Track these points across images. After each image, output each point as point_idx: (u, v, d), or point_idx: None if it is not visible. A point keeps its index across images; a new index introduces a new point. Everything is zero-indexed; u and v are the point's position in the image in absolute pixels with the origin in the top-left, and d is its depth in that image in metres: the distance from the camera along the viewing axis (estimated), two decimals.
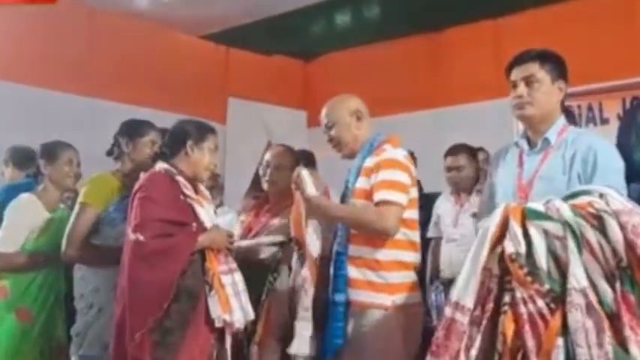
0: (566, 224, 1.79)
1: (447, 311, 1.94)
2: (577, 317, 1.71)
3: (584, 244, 1.77)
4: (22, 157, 3.46)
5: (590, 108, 5.25)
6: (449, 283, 3.25)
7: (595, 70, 4.82)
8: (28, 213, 2.90)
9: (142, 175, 2.58)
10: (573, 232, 1.77)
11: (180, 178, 2.53)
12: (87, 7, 5.34)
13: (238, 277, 2.53)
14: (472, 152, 3.88)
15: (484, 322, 1.84)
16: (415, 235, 2.54)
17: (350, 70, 6.40)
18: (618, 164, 2.13)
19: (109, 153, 2.88)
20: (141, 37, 5.70)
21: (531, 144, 2.29)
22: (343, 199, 2.64)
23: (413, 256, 2.52)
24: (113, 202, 2.70)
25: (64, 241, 2.64)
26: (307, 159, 3.88)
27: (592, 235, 1.76)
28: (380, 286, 2.43)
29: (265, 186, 3.06)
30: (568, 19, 5.25)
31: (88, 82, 5.28)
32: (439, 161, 4.06)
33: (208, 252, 2.48)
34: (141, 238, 2.35)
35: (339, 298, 2.47)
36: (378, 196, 2.44)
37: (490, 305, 1.85)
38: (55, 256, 2.77)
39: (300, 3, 5.80)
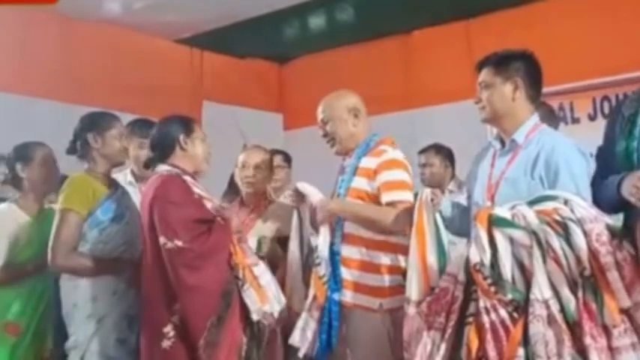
0: (532, 233, 1.80)
1: (405, 307, 2.06)
2: (538, 328, 1.72)
3: (549, 252, 1.77)
4: None
5: (561, 108, 5.29)
6: None
7: (566, 71, 4.88)
8: (6, 225, 2.72)
9: (152, 180, 2.49)
10: (539, 241, 1.78)
11: (187, 178, 2.50)
12: (60, 12, 5.27)
13: (263, 266, 2.51)
14: (439, 149, 4.02)
15: (449, 330, 1.86)
16: (405, 239, 2.50)
17: (324, 73, 6.40)
18: (582, 167, 2.11)
19: (71, 151, 2.68)
20: (115, 43, 5.65)
21: (503, 144, 2.30)
22: (333, 197, 2.63)
23: (403, 260, 2.49)
24: (97, 203, 2.53)
25: (49, 252, 2.45)
26: (283, 158, 3.95)
27: (556, 243, 1.77)
28: (368, 288, 2.44)
29: (244, 187, 3.04)
30: (539, 20, 5.30)
31: (64, 87, 5.21)
32: (412, 162, 4.10)
33: (233, 247, 2.43)
34: (180, 244, 2.28)
35: (337, 297, 2.47)
36: (388, 196, 2.45)
37: (455, 314, 1.86)
38: (43, 264, 2.59)
39: (274, 6, 5.78)
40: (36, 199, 2.81)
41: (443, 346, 1.84)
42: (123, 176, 3.06)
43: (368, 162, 2.53)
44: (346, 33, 6.26)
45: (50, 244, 2.46)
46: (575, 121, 5.20)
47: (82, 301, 2.48)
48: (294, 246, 2.65)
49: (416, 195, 3.49)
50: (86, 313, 2.47)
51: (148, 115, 5.49)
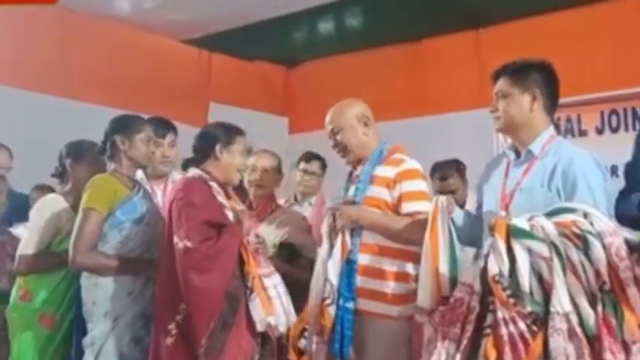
0: (552, 245, 1.79)
1: (416, 317, 2.05)
2: (559, 342, 1.71)
3: (568, 265, 1.77)
4: None
5: (568, 120, 5.30)
6: None
7: (574, 83, 4.86)
8: (52, 213, 2.81)
9: (176, 180, 2.57)
10: (559, 254, 1.77)
11: (213, 184, 2.54)
12: (69, 9, 5.28)
13: (278, 279, 2.52)
14: (460, 170, 3.77)
15: (464, 341, 1.84)
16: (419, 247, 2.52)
17: (331, 78, 6.40)
18: (599, 180, 2.10)
19: (101, 151, 2.75)
20: (124, 41, 5.65)
21: (518, 155, 2.28)
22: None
23: (414, 268, 2.48)
24: (117, 204, 2.59)
25: (70, 249, 2.52)
26: (320, 165, 4.01)
27: (575, 256, 1.76)
28: (387, 296, 2.44)
29: (252, 190, 3.07)
30: (548, 31, 5.29)
31: (70, 84, 5.21)
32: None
33: (247, 255, 2.45)
34: (189, 244, 2.34)
35: (350, 305, 2.46)
36: (409, 207, 2.46)
37: (471, 325, 1.85)
38: None
39: (283, 10, 5.78)
40: (79, 195, 2.82)
41: (458, 357, 1.83)
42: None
43: (385, 171, 2.53)
44: (354, 39, 6.26)
45: (71, 242, 2.52)
46: (583, 133, 5.18)
47: (100, 300, 2.53)
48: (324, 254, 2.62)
49: None
50: (103, 311, 2.52)
51: (153, 114, 5.53)
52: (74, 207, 2.79)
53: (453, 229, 2.22)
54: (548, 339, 1.72)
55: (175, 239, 2.37)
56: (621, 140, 4.90)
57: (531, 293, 1.79)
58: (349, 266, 2.49)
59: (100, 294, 2.54)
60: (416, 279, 2.44)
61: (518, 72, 2.25)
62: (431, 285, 2.11)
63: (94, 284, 2.56)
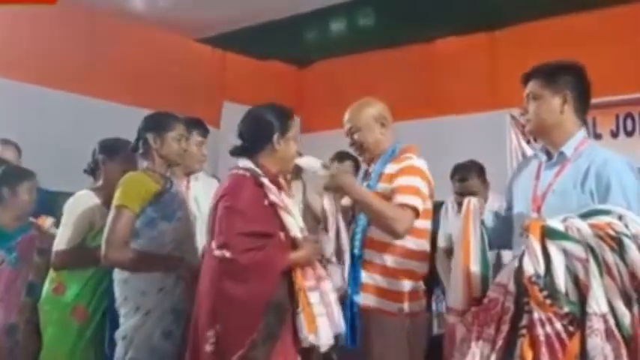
0: (587, 246, 1.80)
1: (448, 317, 2.05)
2: (596, 343, 1.72)
3: (604, 267, 1.78)
4: None
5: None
6: None
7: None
8: (85, 209, 2.84)
9: (228, 176, 2.39)
10: (595, 255, 1.78)
11: (265, 181, 2.32)
12: (85, 8, 5.32)
13: (327, 286, 2.34)
14: (481, 171, 3.75)
15: (499, 342, 1.85)
16: (426, 245, 2.58)
17: (343, 78, 6.41)
18: (633, 183, 2.10)
19: (134, 149, 2.76)
20: (137, 39, 5.67)
21: (550, 157, 2.28)
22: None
23: (423, 266, 2.55)
24: (150, 201, 2.58)
25: (103, 246, 2.54)
26: (353, 164, 3.89)
27: (610, 258, 1.77)
28: (389, 292, 2.46)
29: None
30: (562, 34, 5.28)
31: (84, 82, 5.23)
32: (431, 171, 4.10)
33: (294, 268, 2.30)
34: (228, 254, 2.18)
35: (358, 299, 2.50)
36: (401, 198, 2.47)
37: (506, 326, 1.86)
38: None
39: (296, 10, 5.80)
40: (111, 192, 2.85)
41: (493, 358, 1.84)
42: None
43: (391, 168, 2.57)
44: (367, 39, 6.27)
45: (103, 238, 2.54)
46: (598, 137, 5.15)
47: (130, 295, 2.56)
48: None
49: (460, 204, 3.46)
50: (134, 305, 2.55)
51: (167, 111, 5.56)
52: (106, 203, 2.81)
53: (484, 230, 2.23)
54: (586, 339, 1.73)
55: (213, 244, 2.25)
56: (636, 144, 4.88)
57: (567, 294, 1.80)
58: (355, 260, 2.53)
59: (130, 290, 2.57)
60: (418, 277, 2.52)
61: (550, 74, 2.24)
62: (462, 286, 2.13)
63: (124, 280, 2.58)
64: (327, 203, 2.57)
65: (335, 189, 2.53)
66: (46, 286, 2.84)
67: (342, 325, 2.35)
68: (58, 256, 2.80)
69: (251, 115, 2.46)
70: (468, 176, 3.61)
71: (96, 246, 2.73)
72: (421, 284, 2.55)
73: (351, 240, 2.59)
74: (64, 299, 2.78)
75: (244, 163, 2.36)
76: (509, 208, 2.36)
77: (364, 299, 2.49)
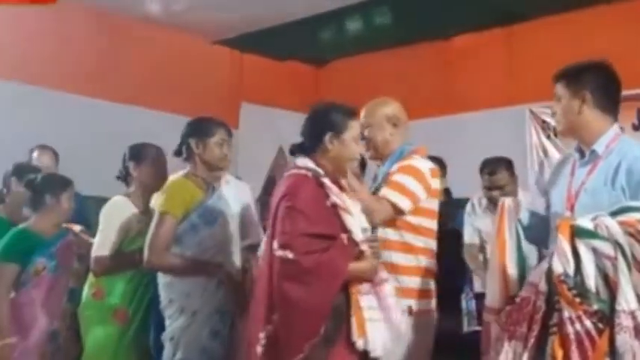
0: (616, 244, 1.81)
1: (484, 315, 2.08)
2: (625, 339, 1.74)
3: (633, 263, 1.79)
4: (23, 171, 3.39)
5: None
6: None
7: None
8: (121, 215, 2.87)
9: (288, 175, 2.34)
10: (623, 253, 1.80)
11: (326, 181, 2.25)
12: (101, 11, 5.39)
13: (386, 290, 2.26)
14: (510, 166, 3.71)
15: (531, 340, 1.88)
16: (432, 244, 2.58)
17: (361, 77, 6.41)
18: None
19: (177, 153, 2.77)
20: (155, 42, 5.73)
21: (582, 155, 2.28)
22: None
23: (429, 263, 2.55)
24: (193, 207, 2.60)
25: (145, 251, 2.56)
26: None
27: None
28: (397, 290, 2.42)
29: None
30: (581, 28, 5.24)
31: (102, 84, 5.31)
32: (450, 168, 4.14)
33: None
34: (290, 255, 2.11)
35: None
36: (385, 191, 2.49)
37: (538, 324, 1.88)
38: None
39: (312, 10, 5.82)
40: (144, 196, 2.94)
41: (525, 356, 1.86)
42: None
43: (395, 168, 2.58)
44: (384, 37, 6.26)
45: (146, 243, 2.57)
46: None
47: (175, 297, 2.58)
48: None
49: (490, 199, 3.37)
50: (180, 307, 2.57)
51: (185, 114, 5.59)
52: (140, 208, 2.88)
53: (520, 229, 2.24)
54: (615, 336, 1.76)
55: (275, 244, 2.17)
56: None
57: (597, 292, 1.82)
58: None
59: (175, 292, 2.59)
60: (428, 274, 2.53)
61: (571, 75, 2.26)
62: (499, 285, 2.14)
63: (169, 283, 2.61)
64: None
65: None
66: (86, 292, 2.88)
67: (401, 330, 2.29)
68: (98, 262, 2.83)
69: (310, 114, 2.41)
70: (497, 170, 3.58)
71: (134, 250, 2.79)
72: (428, 282, 2.54)
73: None
74: (105, 303, 2.81)
75: (304, 162, 2.30)
76: (549, 206, 2.36)
77: None
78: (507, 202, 2.30)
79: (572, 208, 2.13)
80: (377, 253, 2.28)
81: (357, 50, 6.52)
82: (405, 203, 2.47)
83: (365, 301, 2.21)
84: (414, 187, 2.49)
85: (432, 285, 2.57)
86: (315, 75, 7.10)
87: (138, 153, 2.98)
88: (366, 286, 2.23)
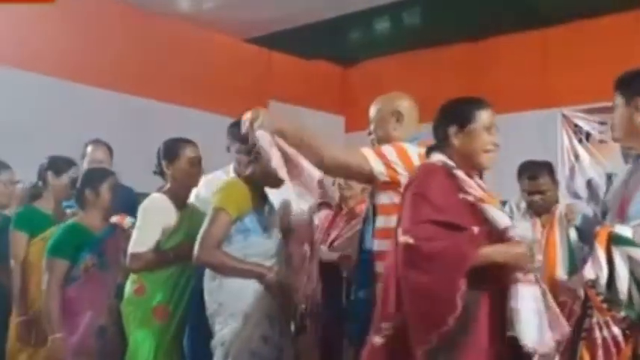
0: None
1: None
2: None
3: None
4: (61, 164, 3.40)
5: None
6: None
7: None
8: (159, 212, 2.85)
9: (420, 166, 2.23)
10: None
11: (459, 173, 2.11)
12: (132, 8, 5.43)
13: (535, 291, 2.01)
14: (551, 170, 3.65)
15: (564, 344, 1.88)
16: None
17: (389, 77, 6.37)
18: None
19: (247, 153, 2.70)
20: (185, 39, 5.76)
21: (635, 163, 2.27)
22: None
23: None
24: (247, 211, 2.56)
25: (196, 246, 2.52)
26: None
27: None
28: None
29: (337, 197, 3.20)
30: (615, 32, 5.16)
31: (130, 80, 5.34)
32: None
33: None
34: (411, 240, 1.99)
35: (362, 295, 2.45)
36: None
37: (571, 329, 1.90)
38: (187, 254, 2.68)
39: (341, 10, 5.80)
40: (179, 193, 2.92)
41: (557, 358, 1.87)
42: (225, 174, 3.10)
43: None
44: (412, 38, 6.23)
45: (198, 239, 2.52)
46: None
47: (226, 301, 2.53)
48: None
49: (530, 203, 3.31)
50: (230, 311, 2.52)
51: (213, 112, 5.65)
52: (176, 204, 2.86)
53: (573, 235, 2.27)
54: (638, 344, 1.77)
55: (399, 230, 2.08)
56: None
57: (630, 299, 1.81)
58: (364, 256, 2.47)
59: (225, 295, 2.53)
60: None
61: (624, 82, 2.25)
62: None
63: (219, 286, 2.55)
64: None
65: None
66: (128, 288, 2.85)
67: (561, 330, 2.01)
68: (135, 258, 2.80)
69: (437, 111, 2.28)
70: (539, 174, 3.42)
71: (171, 247, 2.78)
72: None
73: (361, 238, 2.55)
74: (146, 300, 2.78)
75: (437, 157, 2.18)
76: (605, 213, 2.32)
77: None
78: (559, 209, 2.31)
79: (622, 215, 2.10)
80: (528, 257, 2.01)
81: (386, 51, 6.49)
82: (378, 165, 2.35)
83: (520, 290, 1.99)
84: (393, 157, 2.38)
85: None
86: (343, 75, 7.08)
87: (171, 150, 2.93)
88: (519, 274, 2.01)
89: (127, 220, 3.05)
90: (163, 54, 5.56)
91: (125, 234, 3.05)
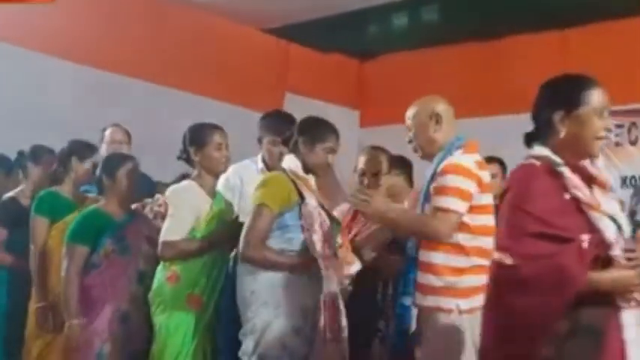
0: None
1: None
2: None
3: None
4: (84, 150, 3.38)
5: None
6: None
7: None
8: (191, 200, 2.82)
9: (519, 166, 1.96)
10: None
11: (564, 170, 1.84)
12: None
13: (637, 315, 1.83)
14: None
15: None
16: (484, 242, 2.41)
17: (405, 73, 6.35)
18: None
19: (285, 143, 2.75)
20: (204, 28, 5.72)
21: None
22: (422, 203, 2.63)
23: (480, 262, 2.43)
24: (289, 206, 2.55)
25: (241, 243, 2.52)
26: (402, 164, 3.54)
27: None
28: (444, 290, 2.42)
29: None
30: (634, 34, 5.09)
31: (149, 67, 5.32)
32: None
33: None
34: (508, 260, 1.77)
35: (406, 301, 2.51)
36: (434, 202, 2.43)
37: None
38: (221, 242, 2.73)
39: (360, 4, 5.79)
40: (209, 180, 2.89)
41: None
42: (254, 164, 3.11)
43: (440, 169, 2.51)
44: (430, 34, 6.20)
45: (242, 235, 2.52)
46: None
47: (258, 289, 2.52)
48: None
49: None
50: (263, 299, 2.50)
51: (230, 102, 5.66)
52: (207, 192, 2.84)
53: None
54: None
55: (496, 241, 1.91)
56: None
57: None
58: (409, 262, 2.51)
59: (258, 284, 2.52)
60: (475, 271, 2.42)
61: None
62: None
63: (251, 274, 2.54)
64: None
65: (368, 216, 2.55)
66: (159, 276, 2.81)
67: None
68: (168, 246, 2.76)
69: (540, 91, 2.01)
70: None
71: (205, 235, 2.75)
72: (480, 279, 2.38)
73: (406, 242, 2.57)
74: (179, 288, 2.74)
75: (538, 150, 1.92)
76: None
77: (421, 300, 2.47)
78: None
79: None
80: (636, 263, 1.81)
81: (403, 46, 6.45)
82: (459, 205, 2.39)
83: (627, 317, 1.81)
84: (464, 185, 2.41)
85: (483, 281, 2.36)
86: (359, 69, 7.04)
87: (198, 137, 2.88)
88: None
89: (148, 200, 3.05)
90: (181, 42, 5.54)
91: (146, 220, 3.06)
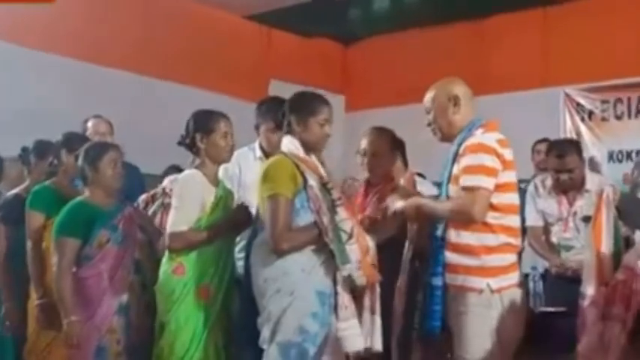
0: None
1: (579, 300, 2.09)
2: None
3: None
4: (74, 141, 3.22)
5: (629, 101, 5.26)
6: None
7: None
8: (198, 190, 2.74)
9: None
10: None
11: None
12: None
13: None
14: (579, 148, 3.55)
15: (629, 323, 1.91)
16: (511, 220, 2.47)
17: (390, 56, 6.34)
18: None
19: (279, 127, 2.69)
20: (185, 15, 5.66)
21: None
22: (441, 184, 2.63)
23: (508, 240, 2.47)
24: (297, 190, 2.50)
25: (270, 240, 2.47)
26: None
27: None
28: (474, 269, 2.42)
29: (365, 174, 3.13)
30: (616, 11, 5.12)
31: (128, 57, 5.28)
32: None
33: None
34: None
35: (436, 282, 2.48)
36: (462, 182, 2.43)
37: (635, 307, 1.91)
38: (227, 231, 2.69)
39: None
40: (213, 169, 2.83)
41: (623, 337, 1.90)
42: (251, 151, 3.09)
43: (462, 149, 2.50)
44: (414, 16, 6.17)
45: (269, 231, 2.48)
46: None
47: (272, 277, 2.49)
48: None
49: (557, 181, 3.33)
50: (276, 287, 2.48)
51: (213, 90, 5.61)
52: (211, 181, 2.77)
53: (617, 219, 2.24)
54: None
55: None
56: None
57: None
58: (435, 242, 2.51)
59: (272, 271, 2.49)
60: (505, 250, 2.45)
61: None
62: (595, 273, 2.14)
63: (263, 262, 2.53)
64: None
65: (410, 219, 2.61)
66: (164, 267, 2.74)
67: None
68: (176, 237, 2.70)
69: None
70: (567, 153, 3.40)
71: (211, 224, 2.70)
72: (509, 257, 2.46)
73: (434, 223, 2.56)
74: (186, 279, 2.68)
75: None
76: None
77: (451, 279, 2.47)
78: (606, 192, 2.28)
79: None
80: None
81: (387, 29, 6.42)
82: (488, 182, 2.39)
83: None
84: (488, 162, 2.41)
85: (513, 259, 2.48)
86: (343, 53, 7.02)
87: (205, 123, 2.80)
88: None
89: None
90: (162, 30, 5.47)
91: (137, 209, 3.00)
